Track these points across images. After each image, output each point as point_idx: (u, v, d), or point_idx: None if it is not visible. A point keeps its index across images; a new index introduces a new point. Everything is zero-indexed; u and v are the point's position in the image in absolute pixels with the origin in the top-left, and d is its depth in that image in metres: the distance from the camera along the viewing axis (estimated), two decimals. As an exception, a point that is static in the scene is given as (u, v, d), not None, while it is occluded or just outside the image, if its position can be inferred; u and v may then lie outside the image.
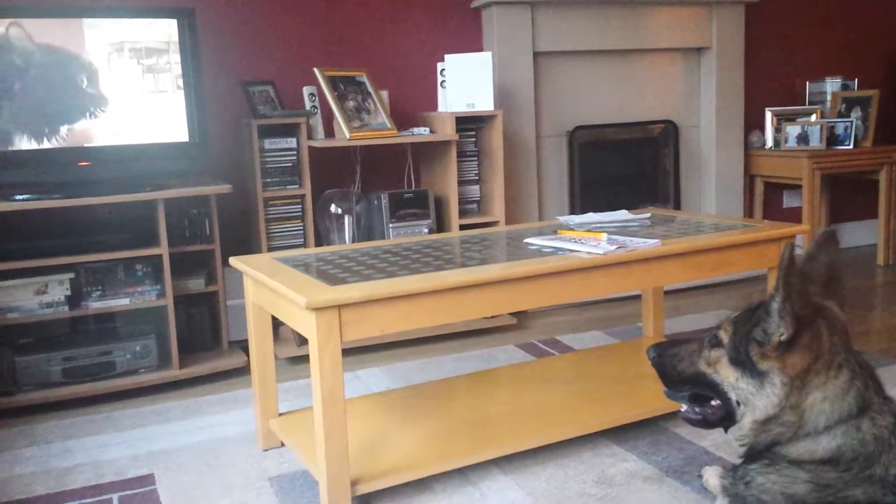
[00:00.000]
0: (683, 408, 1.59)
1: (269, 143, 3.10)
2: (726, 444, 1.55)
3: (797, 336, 1.38)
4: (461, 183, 3.43)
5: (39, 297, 2.69)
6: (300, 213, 3.20)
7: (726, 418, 1.50)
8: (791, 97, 4.56)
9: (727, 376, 1.46)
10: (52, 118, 2.64)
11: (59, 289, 2.71)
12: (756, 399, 1.42)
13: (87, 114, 2.68)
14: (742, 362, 1.43)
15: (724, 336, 1.48)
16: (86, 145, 2.69)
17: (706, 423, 1.55)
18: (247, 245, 3.32)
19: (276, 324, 3.03)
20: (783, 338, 1.38)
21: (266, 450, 2.30)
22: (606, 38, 3.90)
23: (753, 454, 1.46)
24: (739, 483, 1.43)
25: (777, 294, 1.37)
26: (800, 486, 1.35)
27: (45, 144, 2.64)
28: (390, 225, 3.26)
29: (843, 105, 4.38)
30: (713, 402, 1.52)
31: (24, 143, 2.62)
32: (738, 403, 1.46)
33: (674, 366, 1.57)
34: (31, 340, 2.80)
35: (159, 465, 2.23)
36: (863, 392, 1.39)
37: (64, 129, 2.66)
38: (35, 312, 2.69)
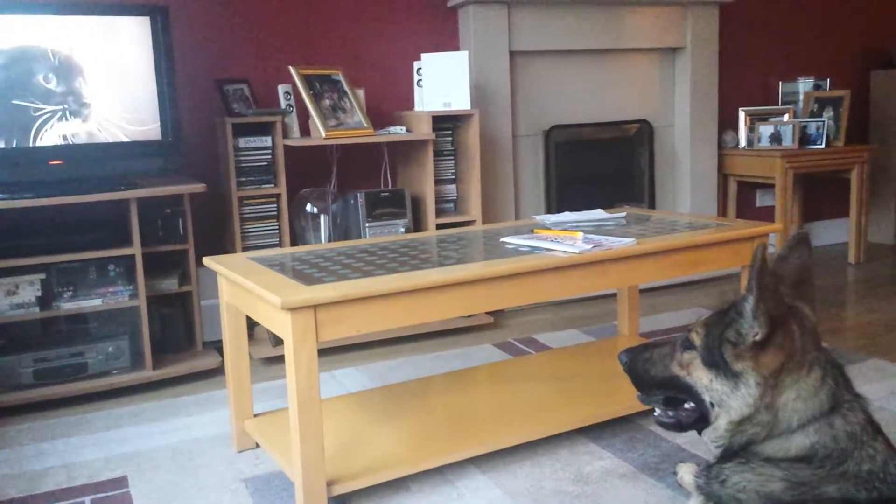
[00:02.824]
0: (657, 411, 1.60)
1: (243, 142, 3.08)
2: (701, 441, 1.57)
3: (770, 336, 1.39)
4: (438, 182, 3.43)
5: (10, 297, 2.65)
6: (275, 213, 3.18)
7: (700, 420, 1.50)
8: (764, 97, 4.60)
9: (701, 378, 1.47)
10: (22, 116, 2.60)
11: (29, 289, 2.67)
12: (731, 400, 1.43)
13: (59, 112, 2.65)
14: (716, 364, 1.44)
15: (697, 338, 1.49)
16: (57, 143, 2.66)
17: (680, 427, 1.55)
18: (221, 245, 3.29)
19: (251, 324, 3.01)
20: (758, 337, 1.38)
21: (241, 451, 2.29)
22: (582, 38, 3.92)
23: (728, 454, 1.46)
24: (714, 482, 1.43)
25: (750, 294, 1.38)
26: (775, 484, 1.36)
27: (16, 143, 2.60)
28: (367, 224, 3.25)
29: (816, 105, 4.43)
30: (686, 405, 1.53)
31: (-6, 142, 2.58)
32: (711, 405, 1.46)
33: (646, 370, 1.57)
34: (2, 342, 2.76)
35: (133, 467, 2.21)
36: (834, 390, 1.40)
37: (35, 128, 2.62)
38: (5, 313, 2.65)
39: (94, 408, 2.67)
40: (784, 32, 4.62)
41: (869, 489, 1.32)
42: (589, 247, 2.13)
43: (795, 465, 1.36)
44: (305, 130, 3.31)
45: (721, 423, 1.45)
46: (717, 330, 1.45)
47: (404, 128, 3.39)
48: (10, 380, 2.64)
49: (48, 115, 2.63)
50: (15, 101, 2.59)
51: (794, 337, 1.41)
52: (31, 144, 2.62)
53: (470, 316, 3.38)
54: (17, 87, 2.58)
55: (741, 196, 4.58)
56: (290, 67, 3.20)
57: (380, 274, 1.97)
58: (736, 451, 1.45)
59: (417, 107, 3.51)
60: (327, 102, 3.22)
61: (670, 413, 1.56)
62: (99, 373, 2.76)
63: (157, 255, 2.92)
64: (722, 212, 4.51)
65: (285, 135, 3.18)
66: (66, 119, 2.66)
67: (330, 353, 3.13)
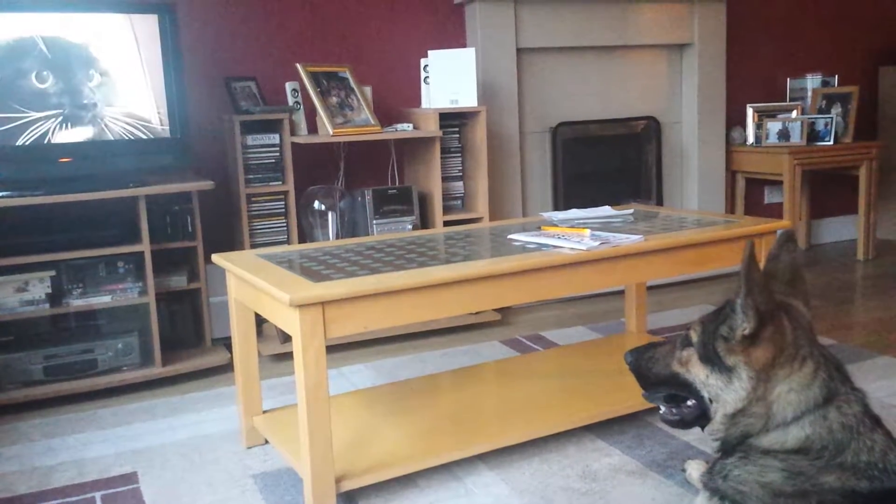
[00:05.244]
0: (662, 409, 1.62)
1: (251, 140, 3.09)
2: (708, 438, 1.59)
3: (760, 330, 1.41)
4: (445, 179, 3.43)
5: (20, 294, 2.67)
6: (283, 210, 3.18)
7: (702, 417, 1.53)
8: (772, 93, 4.59)
9: (698, 374, 1.50)
10: (32, 113, 2.61)
11: (39, 286, 2.69)
12: (725, 394, 1.45)
13: (66, 109, 2.66)
14: (710, 359, 1.47)
15: (694, 335, 1.52)
16: (67, 141, 2.67)
17: (684, 423, 1.58)
18: (230, 242, 3.30)
19: (260, 321, 3.02)
20: (746, 331, 1.41)
21: (250, 447, 2.30)
22: (589, 34, 3.91)
23: (728, 448, 1.49)
24: (717, 477, 1.46)
25: (740, 290, 1.40)
26: (774, 475, 1.38)
27: (25, 140, 2.61)
28: (374, 221, 3.26)
29: (824, 101, 4.41)
30: (689, 402, 1.56)
31: (3, 139, 2.59)
32: (710, 401, 1.49)
33: (650, 368, 1.61)
34: (12, 338, 2.77)
35: (142, 463, 2.22)
36: (828, 382, 1.42)
37: (45, 125, 2.64)
38: (16, 310, 2.66)
39: (103, 404, 2.68)
40: (792, 28, 4.60)
41: (870, 479, 1.34)
42: (596, 244, 2.13)
43: (793, 457, 1.39)
44: (313, 128, 3.32)
45: (717, 416, 1.49)
46: (712, 326, 1.48)
47: (411, 125, 3.39)
48: (21, 376, 2.66)
49: (56, 112, 2.64)
50: (22, 98, 2.60)
51: (784, 331, 1.43)
52: (40, 142, 2.63)
53: (477, 313, 3.38)
54: (23, 84, 2.59)
55: (749, 193, 4.57)
56: (298, 65, 3.21)
57: (387, 271, 1.97)
58: (734, 445, 1.47)
59: (424, 104, 3.52)
60: (335, 100, 3.22)
61: (674, 410, 1.59)
62: (108, 369, 2.77)
63: (166, 252, 2.93)
64: (730, 209, 4.50)
65: (293, 132, 3.19)
66: (74, 116, 2.67)
67: (338, 349, 3.14)
